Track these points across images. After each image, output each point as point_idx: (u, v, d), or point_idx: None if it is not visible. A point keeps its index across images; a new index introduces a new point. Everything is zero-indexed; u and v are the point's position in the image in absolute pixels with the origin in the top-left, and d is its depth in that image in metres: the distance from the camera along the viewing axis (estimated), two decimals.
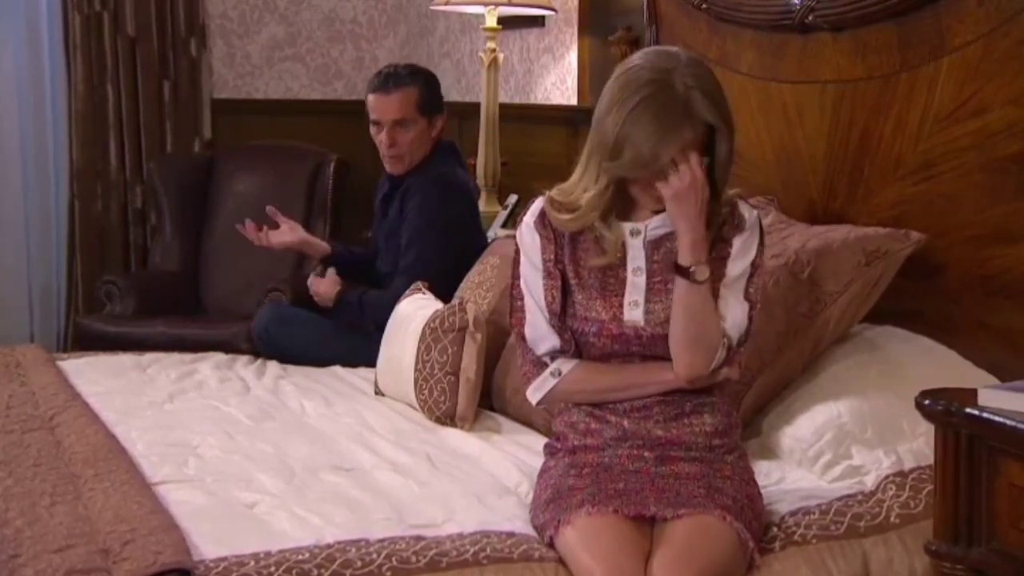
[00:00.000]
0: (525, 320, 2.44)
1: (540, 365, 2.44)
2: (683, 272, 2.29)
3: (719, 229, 2.35)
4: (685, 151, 2.25)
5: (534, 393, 2.46)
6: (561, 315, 2.40)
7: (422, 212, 3.75)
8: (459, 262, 3.67)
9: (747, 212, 2.39)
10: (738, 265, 2.37)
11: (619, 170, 2.29)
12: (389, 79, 3.85)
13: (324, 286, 3.87)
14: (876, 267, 2.78)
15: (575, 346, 2.41)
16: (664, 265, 2.36)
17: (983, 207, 2.75)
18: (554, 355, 2.42)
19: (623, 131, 2.24)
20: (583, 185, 2.36)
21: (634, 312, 2.36)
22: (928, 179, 2.87)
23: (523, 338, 2.46)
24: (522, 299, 2.45)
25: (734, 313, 2.36)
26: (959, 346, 2.79)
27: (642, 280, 2.37)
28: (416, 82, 3.85)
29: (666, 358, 2.36)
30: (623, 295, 2.37)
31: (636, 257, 2.38)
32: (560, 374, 2.42)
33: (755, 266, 2.38)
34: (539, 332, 2.42)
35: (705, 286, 2.30)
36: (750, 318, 2.38)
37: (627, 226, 2.37)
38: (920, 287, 2.87)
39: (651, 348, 2.37)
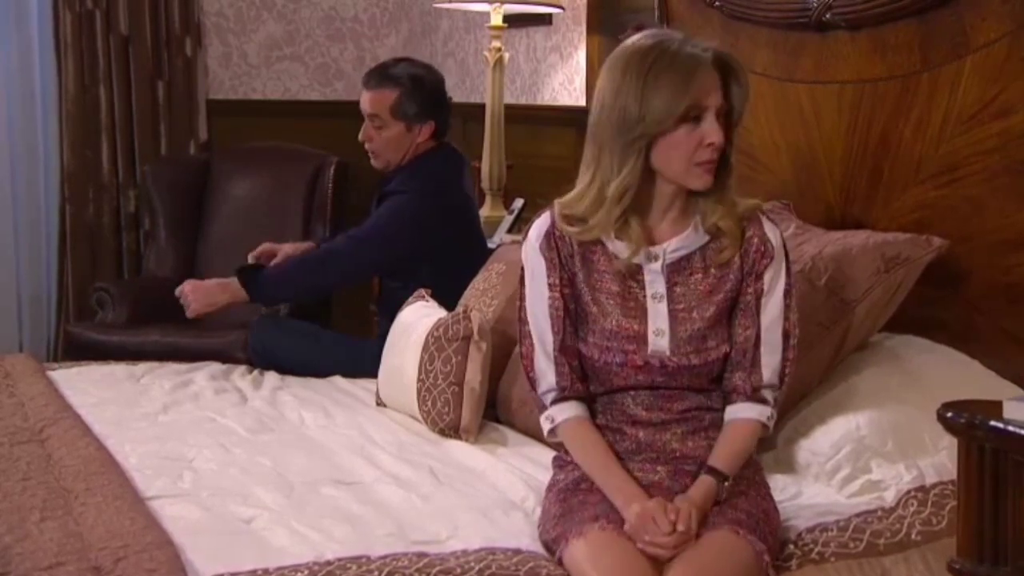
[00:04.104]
0: (533, 351, 2.39)
1: (541, 403, 2.40)
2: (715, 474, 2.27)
3: (743, 257, 2.30)
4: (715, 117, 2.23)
5: (543, 425, 2.43)
6: (561, 348, 2.35)
7: (394, 201, 3.68)
8: (450, 264, 3.61)
9: (772, 234, 2.35)
10: (773, 303, 2.33)
11: (652, 127, 2.24)
12: (373, 75, 3.81)
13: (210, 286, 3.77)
14: (896, 274, 2.75)
15: (574, 381, 2.36)
16: (686, 291, 2.32)
17: (1008, 212, 2.72)
18: (551, 393, 2.37)
19: (646, 95, 2.23)
20: (601, 178, 2.29)
21: (660, 341, 2.31)
22: (950, 183, 2.85)
23: (528, 370, 2.42)
24: (527, 326, 2.40)
25: (771, 362, 2.33)
26: (983, 356, 2.77)
27: (663, 307, 2.32)
28: (397, 85, 3.75)
29: (691, 388, 2.33)
30: (646, 323, 2.32)
31: (655, 282, 2.32)
32: (553, 421, 2.37)
33: (787, 294, 2.34)
34: (539, 367, 2.39)
35: None
36: (786, 356, 2.34)
37: (644, 250, 2.31)
38: (942, 295, 2.85)
39: (676, 378, 2.32)
